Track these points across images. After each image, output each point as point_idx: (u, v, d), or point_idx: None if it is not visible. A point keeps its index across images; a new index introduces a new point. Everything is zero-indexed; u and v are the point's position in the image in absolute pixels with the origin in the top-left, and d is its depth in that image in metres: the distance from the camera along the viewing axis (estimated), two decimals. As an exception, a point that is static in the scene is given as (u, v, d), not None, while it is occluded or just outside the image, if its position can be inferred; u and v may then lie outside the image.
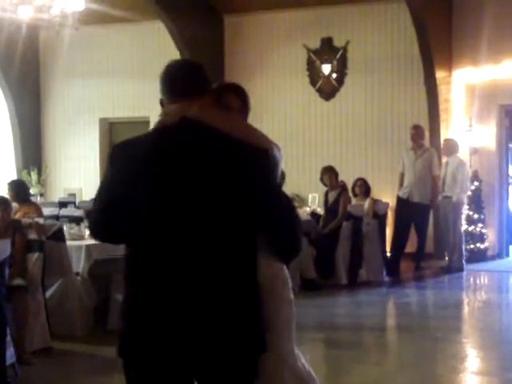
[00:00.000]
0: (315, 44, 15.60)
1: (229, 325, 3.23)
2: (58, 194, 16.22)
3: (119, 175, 3.32)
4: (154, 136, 3.44)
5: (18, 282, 7.43)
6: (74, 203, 12.70)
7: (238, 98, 3.88)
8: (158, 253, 3.27)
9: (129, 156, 3.34)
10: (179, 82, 3.51)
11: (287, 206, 3.54)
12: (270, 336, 3.47)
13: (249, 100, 3.93)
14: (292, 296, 3.81)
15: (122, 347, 3.36)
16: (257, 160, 3.33)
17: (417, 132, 13.49)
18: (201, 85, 3.49)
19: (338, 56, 15.48)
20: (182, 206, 3.25)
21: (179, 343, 3.23)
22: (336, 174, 12.54)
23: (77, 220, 9.95)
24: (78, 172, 17.53)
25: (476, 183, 14.25)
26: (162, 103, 3.63)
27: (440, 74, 14.32)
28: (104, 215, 3.35)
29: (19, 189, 10.61)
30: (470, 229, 14.23)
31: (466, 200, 13.85)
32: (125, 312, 3.35)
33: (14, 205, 10.02)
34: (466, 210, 14.12)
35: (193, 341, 3.22)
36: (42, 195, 14.77)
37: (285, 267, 3.77)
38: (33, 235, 7.82)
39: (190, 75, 3.52)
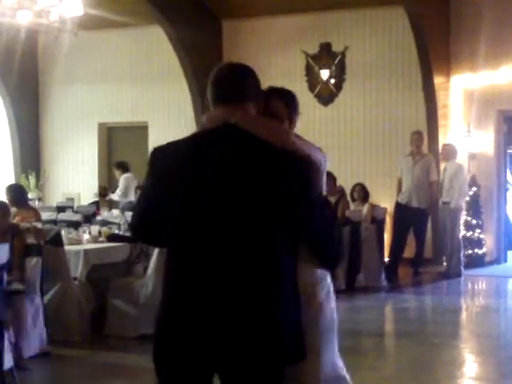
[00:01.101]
0: (313, 49, 15.61)
1: (262, 330, 3.22)
2: (56, 199, 16.22)
3: (158, 178, 3.35)
4: (195, 140, 3.41)
5: (16, 286, 7.43)
6: (72, 208, 12.71)
7: (284, 104, 3.77)
8: (194, 257, 3.28)
9: (168, 160, 3.36)
10: (224, 86, 3.44)
11: (326, 215, 3.53)
12: (310, 342, 3.47)
13: (296, 105, 3.84)
14: (333, 304, 3.77)
15: (156, 349, 3.36)
16: (297, 168, 3.30)
17: (419, 137, 13.53)
18: (246, 90, 3.43)
19: (336, 61, 15.49)
20: (217, 211, 3.24)
21: (214, 349, 3.23)
22: (334, 180, 12.54)
23: (75, 225, 9.96)
24: (76, 177, 17.52)
25: (474, 188, 14.25)
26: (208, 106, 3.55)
27: (438, 80, 14.33)
28: (144, 217, 3.41)
29: (17, 193, 10.62)
30: (468, 234, 14.23)
31: (464, 205, 13.86)
32: (161, 315, 3.35)
33: (13, 209, 10.03)
34: (464, 216, 14.11)
35: (227, 347, 3.22)
36: (40, 200, 14.76)
37: (327, 275, 3.73)
38: (31, 240, 7.83)
39: (235, 80, 3.45)
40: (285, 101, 3.77)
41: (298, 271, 3.44)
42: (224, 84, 3.43)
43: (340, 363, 3.84)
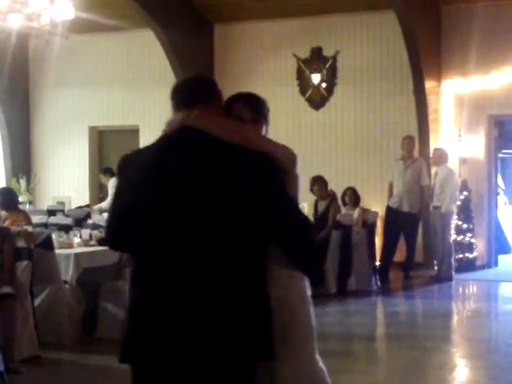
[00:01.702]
0: (305, 53, 15.63)
1: (225, 331, 3.24)
2: (46, 202, 16.17)
3: (123, 185, 3.48)
4: (155, 146, 3.49)
5: (6, 290, 7.41)
6: (63, 211, 12.64)
7: (248, 108, 3.73)
8: (157, 261, 3.33)
9: (131, 166, 3.47)
10: (181, 93, 3.56)
11: (297, 217, 3.45)
12: (287, 346, 3.51)
13: (263, 110, 3.81)
14: (309, 307, 3.73)
15: (123, 352, 3.43)
16: (253, 164, 3.31)
17: (410, 142, 13.58)
18: (203, 96, 3.52)
19: (327, 66, 15.51)
20: (175, 213, 3.29)
21: (179, 351, 3.27)
22: (325, 184, 12.56)
23: (66, 228, 9.92)
24: (67, 180, 17.49)
25: (465, 193, 14.28)
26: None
27: (429, 84, 14.36)
28: (111, 223, 3.53)
29: (7, 196, 10.59)
30: (459, 238, 14.25)
31: (455, 210, 13.88)
32: (127, 317, 3.42)
33: (2, 212, 10.01)
34: (455, 220, 14.14)
35: (187, 349, 3.25)
36: (30, 203, 14.71)
37: (302, 278, 3.67)
38: (21, 243, 7.80)
39: (191, 87, 3.58)
40: (249, 107, 3.74)
41: (270, 273, 3.43)
42: (182, 90, 3.58)
43: (318, 367, 3.80)
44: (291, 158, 3.59)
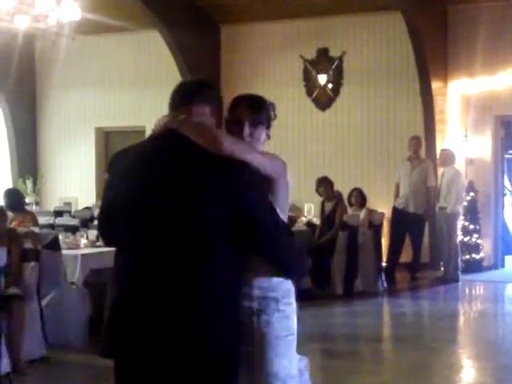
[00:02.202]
0: (311, 54, 15.63)
1: (179, 339, 3.27)
2: (53, 203, 16.17)
3: (110, 181, 3.58)
4: (140, 145, 3.59)
5: (13, 291, 7.42)
6: (70, 212, 12.65)
7: (250, 111, 3.67)
8: (129, 259, 3.43)
9: (118, 163, 3.55)
10: (174, 95, 3.62)
11: (275, 226, 3.42)
12: (256, 354, 3.48)
13: (266, 114, 3.73)
14: (289, 312, 3.61)
15: (104, 348, 3.60)
16: (224, 171, 3.29)
17: (416, 143, 13.57)
18: (194, 99, 3.53)
19: (333, 66, 15.51)
20: (147, 215, 3.36)
21: (141, 351, 3.35)
22: (331, 185, 12.55)
23: (72, 229, 9.93)
24: (73, 181, 17.51)
25: (472, 194, 14.26)
26: None
27: (436, 85, 14.35)
28: (100, 218, 3.69)
29: (15, 197, 10.63)
30: (466, 239, 14.23)
31: (461, 211, 13.86)
32: (108, 313, 3.57)
33: (10, 214, 10.03)
34: (461, 221, 14.12)
35: (150, 350, 3.31)
36: (37, 204, 14.74)
37: (284, 282, 3.60)
38: (28, 244, 7.82)
39: (184, 90, 3.62)
40: (251, 110, 3.67)
41: (247, 279, 3.45)
42: (176, 92, 3.63)
43: (295, 375, 3.68)
44: (278, 168, 3.55)
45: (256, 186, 3.37)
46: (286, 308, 3.60)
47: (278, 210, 3.45)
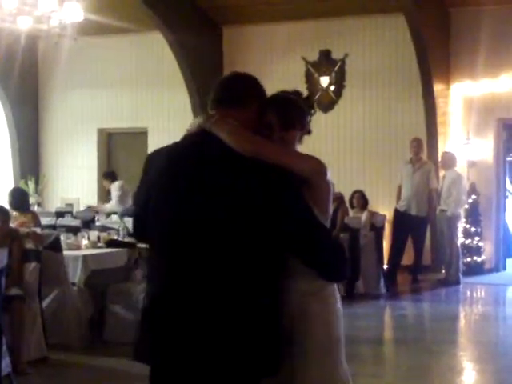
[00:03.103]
0: (313, 56, 15.63)
1: (228, 342, 3.20)
2: (55, 204, 16.20)
3: (143, 180, 3.53)
4: (173, 145, 3.52)
5: (14, 291, 7.42)
6: (72, 213, 12.69)
7: (277, 115, 3.51)
8: (161, 260, 3.38)
9: (152, 163, 3.51)
10: (214, 93, 3.51)
11: (307, 228, 3.33)
12: (301, 357, 3.39)
13: (295, 115, 3.57)
14: (334, 317, 3.52)
15: (135, 350, 3.48)
16: (255, 176, 3.24)
17: (417, 145, 13.56)
18: (231, 99, 3.45)
19: (336, 68, 15.51)
20: (172, 214, 3.33)
21: (183, 355, 3.25)
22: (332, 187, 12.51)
23: (74, 230, 9.95)
24: (75, 182, 17.53)
25: (473, 196, 14.25)
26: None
27: (438, 87, 14.34)
28: (134, 217, 3.66)
29: (21, 197, 10.64)
30: (467, 242, 14.22)
31: (462, 213, 13.86)
32: (142, 312, 3.47)
33: (14, 214, 10.05)
34: (462, 223, 14.12)
35: (188, 352, 3.23)
36: (39, 205, 14.74)
37: (328, 285, 3.50)
38: (30, 245, 7.82)
39: (224, 87, 3.52)
40: (278, 113, 3.51)
41: (288, 282, 3.38)
42: (214, 91, 3.52)
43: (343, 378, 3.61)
44: (316, 169, 3.44)
45: (284, 188, 3.27)
46: (327, 311, 3.50)
47: (316, 212, 3.36)
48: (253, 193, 3.21)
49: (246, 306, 3.22)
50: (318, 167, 3.46)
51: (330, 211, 3.56)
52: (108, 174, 15.12)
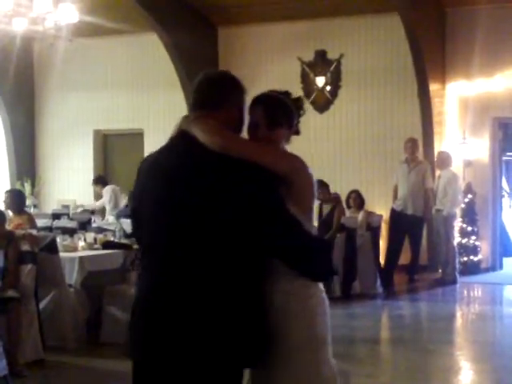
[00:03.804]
0: (309, 56, 15.63)
1: (210, 334, 3.24)
2: (51, 206, 16.19)
3: (135, 184, 3.59)
4: (160, 148, 3.56)
5: (10, 293, 7.42)
6: (68, 215, 12.67)
7: (264, 114, 3.53)
8: (147, 261, 3.47)
9: (143, 166, 3.56)
10: (194, 95, 3.53)
11: (291, 229, 3.33)
12: (282, 354, 3.40)
13: (282, 114, 3.58)
14: (315, 316, 3.50)
15: (126, 349, 3.55)
16: (225, 172, 3.25)
17: (413, 145, 13.55)
18: (210, 99, 3.45)
19: (331, 68, 15.51)
20: (156, 217, 3.39)
21: (166, 351, 3.30)
22: (327, 187, 12.49)
23: (70, 232, 9.94)
24: (71, 183, 17.50)
25: (469, 196, 14.25)
26: None
27: (433, 87, 14.35)
28: (131, 219, 3.75)
29: (18, 199, 10.63)
30: (464, 241, 14.23)
31: (457, 213, 13.87)
32: (131, 316, 3.55)
33: (10, 215, 10.05)
34: (459, 223, 14.13)
35: (166, 350, 3.30)
36: (35, 206, 14.74)
37: (310, 286, 3.50)
38: (26, 247, 7.81)
39: (203, 88, 3.51)
40: (265, 112, 3.53)
41: (271, 281, 3.39)
42: (194, 93, 3.53)
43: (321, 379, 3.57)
44: (293, 167, 3.43)
45: (259, 184, 3.27)
46: (309, 311, 3.49)
47: (294, 210, 3.34)
48: (225, 193, 3.23)
49: (226, 300, 3.25)
50: (294, 165, 3.45)
51: (310, 205, 3.53)
52: (98, 179, 15.12)
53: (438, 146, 14.50)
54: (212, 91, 3.47)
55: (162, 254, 3.35)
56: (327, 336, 3.56)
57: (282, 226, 3.31)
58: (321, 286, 3.58)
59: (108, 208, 14.42)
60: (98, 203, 14.77)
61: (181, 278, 3.27)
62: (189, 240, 3.26)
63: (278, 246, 3.33)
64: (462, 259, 14.10)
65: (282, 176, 3.36)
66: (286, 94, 3.70)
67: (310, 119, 15.35)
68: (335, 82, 15.51)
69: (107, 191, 14.54)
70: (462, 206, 14.11)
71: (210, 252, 3.25)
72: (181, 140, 3.40)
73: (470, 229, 14.29)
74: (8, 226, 8.93)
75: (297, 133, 3.69)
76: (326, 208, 12.50)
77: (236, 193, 3.23)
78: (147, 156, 3.60)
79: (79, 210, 14.49)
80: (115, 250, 9.33)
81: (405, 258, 13.57)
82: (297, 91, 16.43)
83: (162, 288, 3.31)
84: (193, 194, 3.25)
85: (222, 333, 3.23)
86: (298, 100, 3.71)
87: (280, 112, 3.58)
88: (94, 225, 11.44)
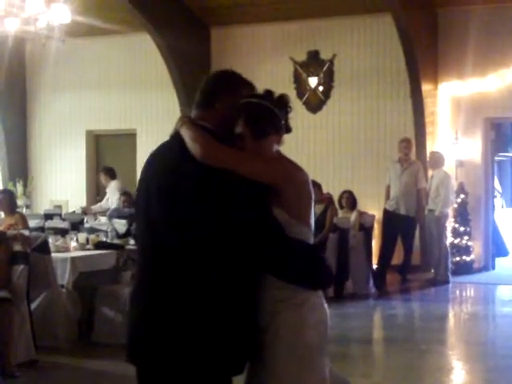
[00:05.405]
0: (302, 57, 15.64)
1: (197, 341, 3.25)
2: (44, 206, 16.16)
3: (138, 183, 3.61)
4: (159, 147, 3.56)
5: (2, 294, 7.40)
6: (60, 215, 12.64)
7: (247, 125, 3.42)
8: (138, 263, 3.54)
9: (142, 169, 3.56)
10: (196, 95, 3.54)
11: (271, 234, 3.30)
12: (271, 361, 3.37)
13: (266, 123, 3.45)
14: (306, 323, 3.42)
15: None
16: (215, 188, 3.22)
17: (408, 145, 13.57)
18: (205, 100, 3.46)
19: (324, 69, 15.51)
20: (142, 222, 3.43)
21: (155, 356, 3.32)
22: (319, 187, 12.48)
23: (62, 232, 9.92)
24: (64, 184, 17.48)
25: (462, 196, 14.27)
26: None
27: (426, 87, 14.37)
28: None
29: (8, 199, 10.61)
30: (456, 241, 14.25)
31: (450, 213, 13.89)
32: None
33: (2, 216, 10.03)
34: (451, 223, 14.15)
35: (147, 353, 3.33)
36: (27, 207, 14.70)
37: (301, 293, 3.43)
38: (18, 247, 7.79)
39: (203, 89, 3.51)
40: (249, 125, 3.42)
41: (262, 288, 3.36)
42: (199, 91, 3.53)
43: None
44: (282, 176, 3.39)
45: (238, 196, 3.24)
46: (299, 318, 3.43)
47: (284, 218, 3.31)
48: (209, 203, 3.20)
49: (214, 311, 3.24)
50: (282, 174, 3.40)
51: (306, 213, 3.47)
52: (108, 169, 14.88)
53: (431, 146, 14.52)
54: (204, 91, 3.48)
55: (150, 254, 3.35)
56: (320, 345, 3.49)
57: (261, 236, 3.28)
58: (314, 293, 3.51)
59: (109, 203, 14.29)
60: (103, 203, 14.63)
61: (168, 291, 3.28)
62: (172, 256, 3.27)
63: (259, 257, 3.30)
64: (454, 259, 14.12)
65: (269, 185, 3.33)
66: (268, 94, 3.55)
67: (302, 119, 15.37)
68: (328, 82, 15.52)
69: (116, 186, 14.34)
70: (455, 206, 14.13)
71: (193, 268, 3.24)
72: (175, 142, 3.38)
73: (462, 229, 14.31)
74: (0, 227, 8.90)
75: (288, 130, 3.59)
76: (319, 208, 12.49)
77: (213, 206, 3.20)
78: (149, 156, 3.54)
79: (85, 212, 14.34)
80: (107, 251, 9.32)
81: (397, 258, 13.58)
82: (289, 91, 16.48)
83: (150, 300, 3.34)
84: (171, 209, 3.25)
85: (209, 341, 3.23)
86: (282, 97, 3.56)
87: (263, 122, 3.46)
88: (86, 225, 11.41)
